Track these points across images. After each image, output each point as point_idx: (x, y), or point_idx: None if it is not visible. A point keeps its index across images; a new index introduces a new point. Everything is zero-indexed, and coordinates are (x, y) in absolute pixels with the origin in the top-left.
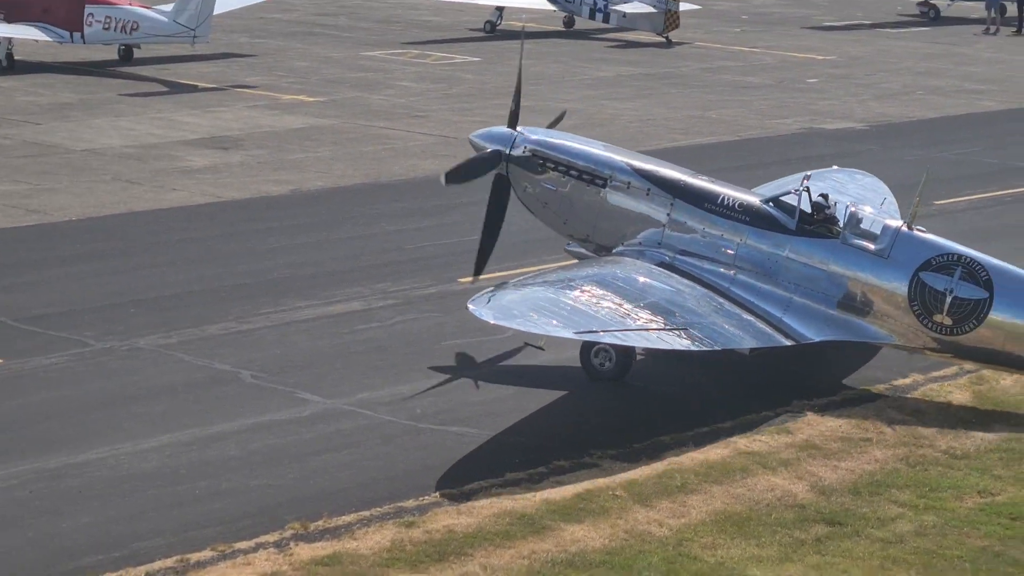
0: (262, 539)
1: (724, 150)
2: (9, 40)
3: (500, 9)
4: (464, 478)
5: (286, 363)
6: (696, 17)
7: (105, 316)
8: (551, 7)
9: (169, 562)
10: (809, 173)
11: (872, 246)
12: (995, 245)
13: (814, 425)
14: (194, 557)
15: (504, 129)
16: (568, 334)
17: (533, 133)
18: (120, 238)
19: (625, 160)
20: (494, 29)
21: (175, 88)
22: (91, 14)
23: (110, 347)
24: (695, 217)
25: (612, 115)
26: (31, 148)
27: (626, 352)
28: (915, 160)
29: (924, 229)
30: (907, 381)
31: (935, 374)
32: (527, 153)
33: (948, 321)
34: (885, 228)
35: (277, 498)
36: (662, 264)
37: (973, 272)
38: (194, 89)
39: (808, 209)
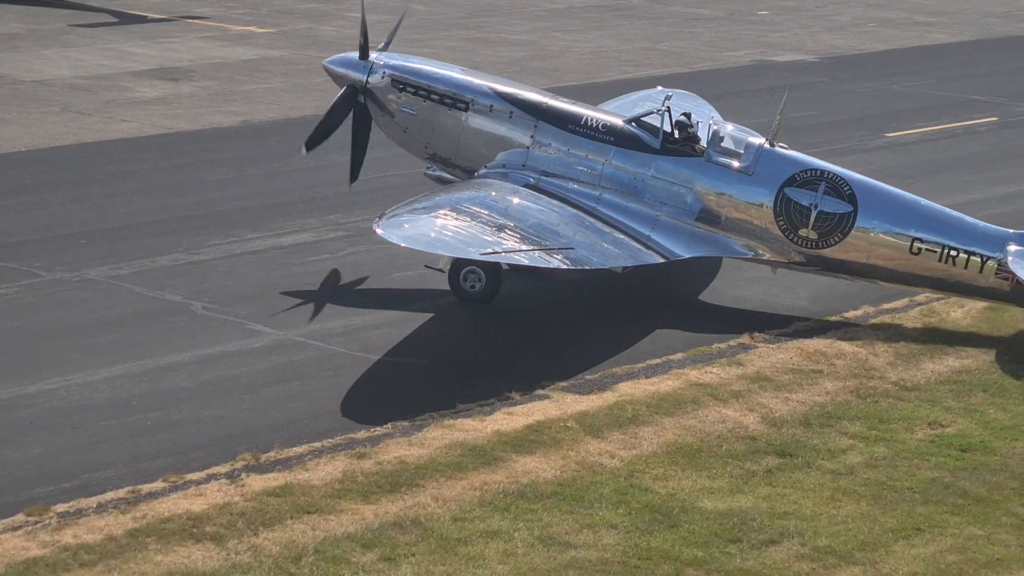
0: (213, 470)
1: (676, 82)
2: None
3: None
4: (415, 409)
5: (237, 294)
6: None
7: (55, 247)
8: None
9: (121, 493)
10: (656, 91)
11: (737, 164)
12: (946, 177)
13: (765, 357)
14: (146, 488)
15: (354, 55)
16: (474, 255)
17: (390, 59)
18: (69, 169)
19: (486, 83)
20: None
21: (124, 19)
22: None
23: (60, 278)
24: (559, 138)
25: (563, 47)
26: None
27: (495, 273)
28: (866, 92)
29: (786, 146)
30: (858, 313)
31: (886, 306)
32: (386, 79)
33: (814, 235)
34: (748, 145)
35: (229, 429)
36: (527, 186)
37: (837, 187)
38: (144, 20)
39: (670, 128)
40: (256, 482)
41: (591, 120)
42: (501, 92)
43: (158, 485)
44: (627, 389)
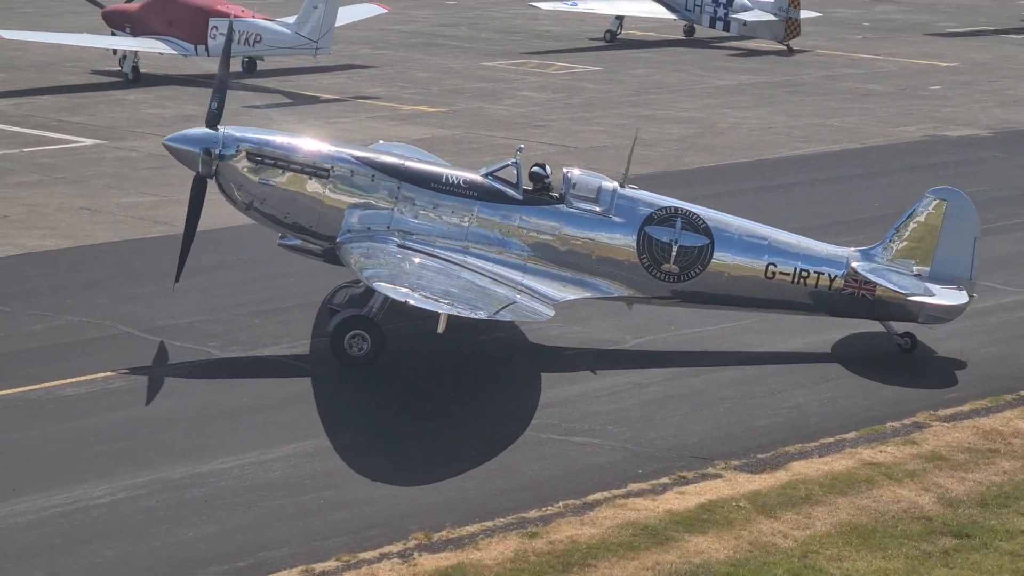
0: (386, 549)
1: (848, 158)
2: (135, 53)
3: (620, 18)
4: (586, 488)
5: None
6: (817, 25)
7: (229, 326)
8: (671, 16)
9: (294, 572)
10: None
11: (597, 208)
12: None
13: (940, 436)
14: (319, 567)
15: (205, 130)
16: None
17: (240, 131)
18: (243, 249)
19: (345, 150)
20: (614, 38)
21: (298, 99)
22: (215, 27)
23: (234, 357)
24: (423, 197)
25: (733, 124)
26: (157, 160)
27: (381, 335)
28: None
29: (636, 186)
30: None
31: None
32: (242, 152)
33: (676, 269)
34: (602, 189)
35: (401, 508)
36: (400, 247)
37: (692, 222)
38: (316, 100)
39: (527, 179)
40: (428, 561)
41: (452, 177)
42: (360, 157)
43: (331, 564)
44: (800, 468)
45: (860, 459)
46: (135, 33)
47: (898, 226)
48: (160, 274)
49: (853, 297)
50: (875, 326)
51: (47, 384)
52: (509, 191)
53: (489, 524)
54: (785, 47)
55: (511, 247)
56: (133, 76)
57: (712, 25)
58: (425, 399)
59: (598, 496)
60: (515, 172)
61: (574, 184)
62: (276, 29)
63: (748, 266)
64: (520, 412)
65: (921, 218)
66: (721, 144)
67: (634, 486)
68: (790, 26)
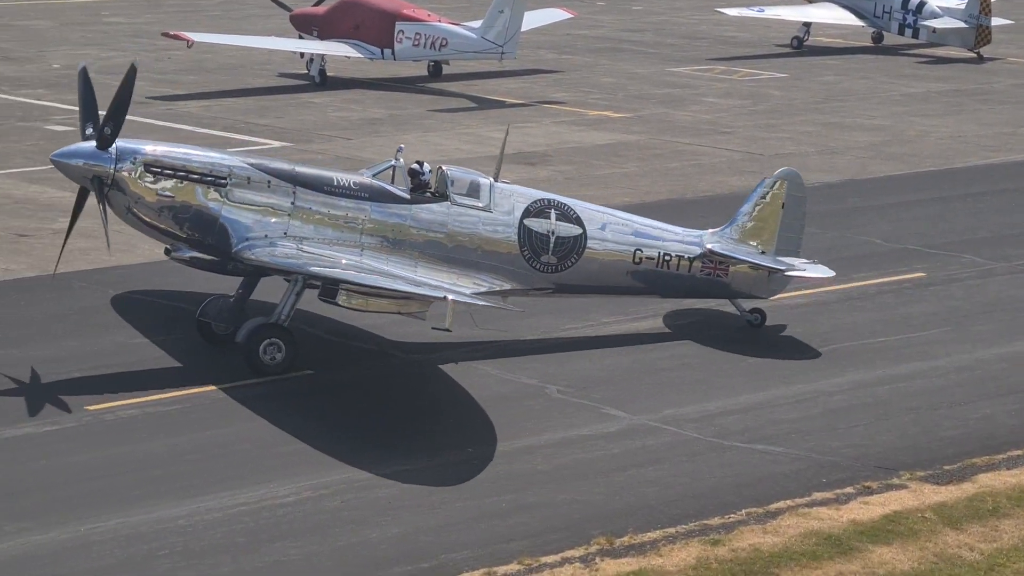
0: (568, 554)
1: None
2: (322, 56)
3: (807, 25)
4: (770, 496)
5: (591, 379)
6: (1008, 32)
7: (402, 331)
8: (860, 23)
9: (476, 575)
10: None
11: (479, 203)
12: None
13: None
14: (501, 570)
15: (91, 146)
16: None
17: (133, 143)
18: None
19: (240, 158)
20: (801, 45)
21: (483, 104)
22: (401, 31)
23: (418, 360)
24: (318, 201)
25: (921, 132)
26: (343, 163)
27: (294, 342)
28: None
29: (508, 181)
30: None
31: None
32: (138, 165)
33: (553, 260)
34: (478, 185)
35: (583, 513)
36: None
37: (564, 212)
38: (501, 105)
39: (408, 178)
40: (610, 566)
41: (343, 180)
42: (255, 163)
43: (513, 567)
44: (987, 480)
45: None
46: (322, 36)
47: (744, 208)
48: None
49: (709, 277)
50: None
51: (238, 383)
52: (398, 191)
53: (671, 530)
54: (975, 54)
55: (403, 247)
56: (320, 79)
57: (901, 32)
58: (611, 404)
59: (781, 504)
60: (399, 172)
61: (453, 181)
62: (462, 33)
63: (618, 253)
64: (703, 419)
65: (767, 199)
66: (909, 152)
67: (818, 495)
68: (981, 33)
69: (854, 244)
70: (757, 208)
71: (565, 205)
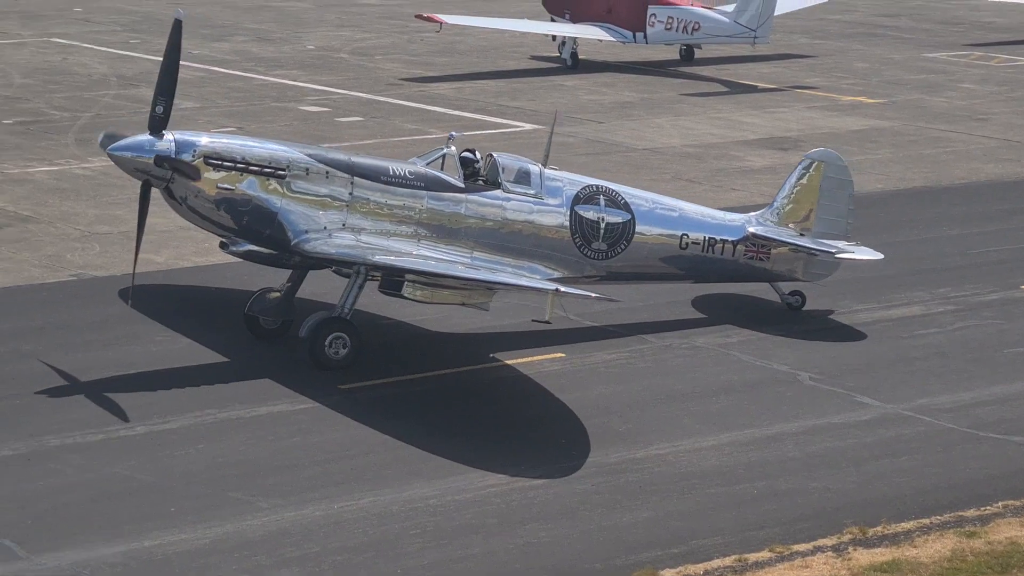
0: (820, 542)
1: None
2: (575, 39)
3: None
4: None
5: (844, 366)
6: None
7: (662, 312)
8: None
9: (727, 561)
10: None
11: (531, 191)
12: None
13: None
14: (752, 557)
15: (150, 137)
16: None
17: (192, 136)
18: None
19: (297, 149)
20: None
21: (735, 88)
22: (654, 14)
23: (669, 344)
24: (375, 191)
25: None
26: (594, 146)
27: (359, 336)
28: None
29: (556, 167)
30: None
31: None
32: (197, 157)
33: (604, 246)
34: (528, 172)
35: (835, 502)
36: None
37: (612, 198)
38: (754, 89)
39: (460, 167)
40: (863, 556)
41: (398, 169)
42: (312, 154)
43: (764, 555)
44: None
45: None
46: (574, 19)
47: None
48: None
49: (751, 261)
50: None
51: (481, 365)
52: (452, 179)
53: (925, 521)
54: None
55: (459, 236)
56: (572, 62)
57: None
58: (863, 392)
59: None
60: (453, 161)
61: (504, 168)
62: (715, 17)
63: (665, 239)
64: (957, 409)
65: (804, 181)
66: None
67: None
68: None
69: None
70: (795, 191)
71: (612, 190)
